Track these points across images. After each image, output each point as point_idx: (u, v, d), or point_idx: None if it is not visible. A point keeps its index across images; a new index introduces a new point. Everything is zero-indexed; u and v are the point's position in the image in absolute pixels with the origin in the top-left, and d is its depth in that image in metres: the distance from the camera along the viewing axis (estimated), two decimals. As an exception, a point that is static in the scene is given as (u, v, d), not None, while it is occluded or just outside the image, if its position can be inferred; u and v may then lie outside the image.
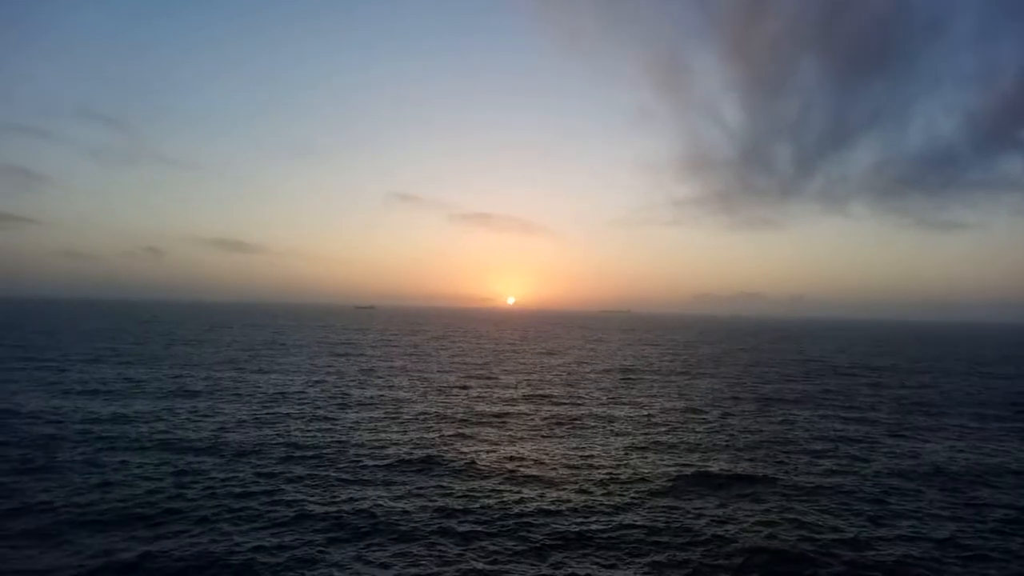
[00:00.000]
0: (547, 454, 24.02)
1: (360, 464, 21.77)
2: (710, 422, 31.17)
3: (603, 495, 19.09)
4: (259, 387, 39.02)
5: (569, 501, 18.35)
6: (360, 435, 26.23)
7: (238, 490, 18.46)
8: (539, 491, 19.33)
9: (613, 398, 38.62)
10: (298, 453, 22.98)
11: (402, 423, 29.01)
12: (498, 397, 37.76)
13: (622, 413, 33.27)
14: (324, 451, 23.34)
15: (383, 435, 26.34)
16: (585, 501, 18.42)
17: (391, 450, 23.76)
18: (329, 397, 35.66)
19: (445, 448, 24.37)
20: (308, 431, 26.71)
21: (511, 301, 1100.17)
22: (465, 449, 24.42)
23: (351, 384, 41.54)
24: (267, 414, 30.16)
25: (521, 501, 18.28)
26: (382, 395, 37.03)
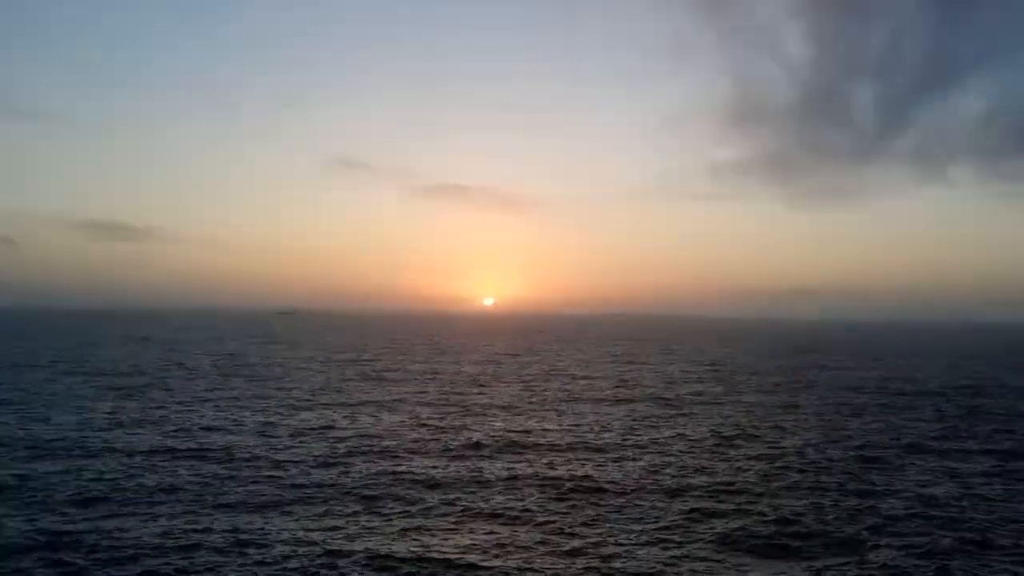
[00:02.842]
0: (555, 534, 21.12)
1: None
2: (783, 481, 28.04)
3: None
4: (145, 432, 35.38)
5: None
6: (285, 525, 22.31)
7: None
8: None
9: (632, 445, 35.02)
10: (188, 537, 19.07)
11: (334, 493, 25.43)
12: (474, 443, 34.31)
13: (649, 468, 30.04)
14: (240, 530, 20.10)
15: (311, 508, 22.87)
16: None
17: (316, 535, 20.24)
18: (247, 450, 31.77)
19: (394, 536, 21.06)
20: (205, 507, 23.05)
21: (488, 302, 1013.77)
22: (420, 538, 21.04)
23: (274, 426, 37.75)
24: (160, 474, 26.47)
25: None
26: (311, 445, 33.29)
